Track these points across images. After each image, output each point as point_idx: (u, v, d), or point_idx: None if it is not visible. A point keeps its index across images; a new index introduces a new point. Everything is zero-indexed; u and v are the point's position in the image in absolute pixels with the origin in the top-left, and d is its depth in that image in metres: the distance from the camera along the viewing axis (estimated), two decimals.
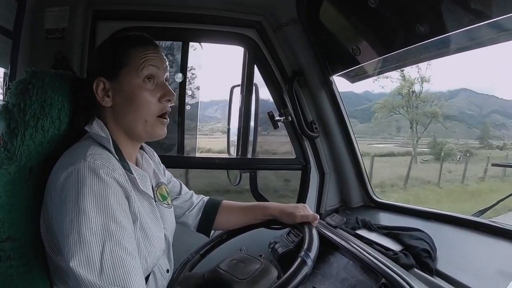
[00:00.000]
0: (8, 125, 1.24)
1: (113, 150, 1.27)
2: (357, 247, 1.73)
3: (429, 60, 1.90)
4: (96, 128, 1.30)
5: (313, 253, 1.36)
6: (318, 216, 1.62)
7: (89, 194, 1.09)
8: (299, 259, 1.32)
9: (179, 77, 2.52)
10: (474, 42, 1.70)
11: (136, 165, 1.46)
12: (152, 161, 1.60)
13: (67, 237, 1.05)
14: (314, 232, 1.50)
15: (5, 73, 2.26)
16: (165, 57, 1.39)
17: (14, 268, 1.22)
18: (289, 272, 1.28)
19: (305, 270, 1.29)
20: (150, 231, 1.31)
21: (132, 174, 1.30)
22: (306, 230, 1.52)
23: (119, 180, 1.17)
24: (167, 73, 1.41)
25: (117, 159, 1.26)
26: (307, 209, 1.68)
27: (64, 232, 1.06)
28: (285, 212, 1.67)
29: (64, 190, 1.11)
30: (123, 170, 1.26)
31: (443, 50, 1.79)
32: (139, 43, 1.34)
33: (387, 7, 1.79)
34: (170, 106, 1.39)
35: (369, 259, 1.60)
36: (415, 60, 1.97)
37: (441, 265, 1.62)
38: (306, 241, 1.43)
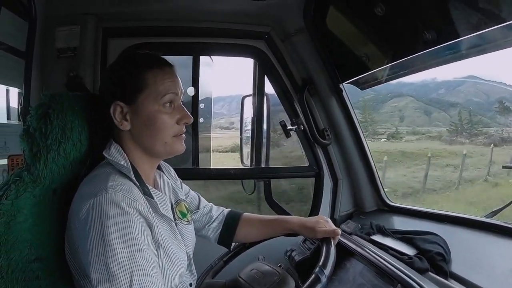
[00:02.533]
0: (30, 149, 1.26)
1: (133, 178, 1.27)
2: (372, 253, 1.74)
3: (438, 66, 1.90)
4: (115, 154, 1.31)
5: (328, 270, 1.36)
6: (340, 231, 1.61)
7: (113, 227, 1.09)
8: (313, 275, 1.33)
9: (191, 91, 2.54)
10: (484, 47, 1.70)
11: (154, 186, 1.46)
12: (169, 178, 1.60)
13: (95, 270, 1.06)
14: (332, 249, 1.50)
15: (19, 93, 2.28)
16: (178, 78, 1.40)
17: (43, 287, 1.24)
18: None
19: (318, 287, 1.30)
20: (172, 253, 1.32)
21: (153, 199, 1.32)
22: (325, 246, 1.51)
23: (141, 210, 1.18)
24: (182, 95, 1.41)
25: (137, 185, 1.27)
26: (329, 223, 1.66)
27: (92, 264, 1.07)
28: (306, 226, 1.67)
29: (88, 223, 1.11)
30: (144, 196, 1.27)
31: (452, 55, 1.79)
32: (156, 65, 1.34)
33: (394, 15, 1.80)
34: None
35: (384, 264, 1.61)
36: (424, 66, 1.97)
37: (456, 267, 1.63)
38: (323, 257, 1.43)
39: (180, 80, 1.39)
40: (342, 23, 2.18)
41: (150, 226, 1.21)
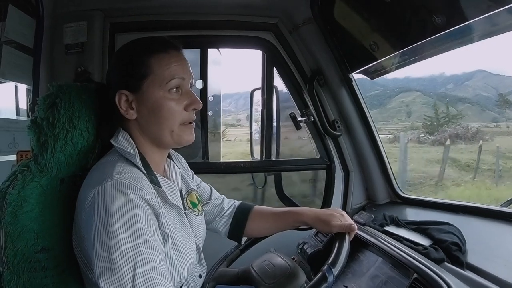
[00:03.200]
0: (37, 139, 1.25)
1: (140, 166, 1.25)
2: (386, 244, 1.71)
3: (449, 50, 1.87)
4: (122, 141, 1.28)
5: (337, 269, 1.30)
6: (356, 227, 1.54)
7: (118, 215, 1.07)
8: (320, 273, 1.28)
9: (199, 83, 2.53)
10: (494, 29, 1.67)
11: (164, 175, 1.44)
12: (180, 167, 1.57)
13: (98, 260, 1.03)
14: (346, 245, 1.43)
15: (28, 90, 2.29)
16: (187, 61, 1.34)
17: (49, 278, 1.24)
18: (307, 286, 1.27)
19: (324, 286, 1.25)
20: (181, 245, 1.29)
21: (161, 187, 1.29)
22: (338, 242, 1.45)
23: (147, 199, 1.15)
24: (192, 79, 1.36)
25: (144, 173, 1.25)
26: (345, 217, 1.58)
27: (95, 254, 1.04)
28: (320, 219, 1.59)
29: (92, 211, 1.09)
30: (151, 185, 1.25)
31: (462, 39, 1.76)
32: (160, 48, 1.29)
33: (402, 0, 1.78)
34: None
35: (400, 254, 1.58)
36: (434, 52, 1.94)
37: (471, 257, 1.60)
38: (333, 254, 1.37)
39: (188, 64, 1.34)
40: (350, 12, 2.16)
41: (157, 215, 1.19)
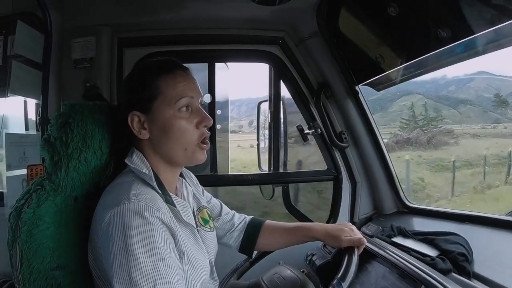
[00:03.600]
0: (51, 158, 1.27)
1: (156, 186, 1.27)
2: (394, 255, 1.72)
3: (455, 63, 1.89)
4: (137, 161, 1.31)
5: (346, 283, 1.33)
6: (365, 241, 1.58)
7: (136, 236, 1.09)
8: (330, 287, 1.31)
9: (207, 97, 2.54)
10: (500, 43, 1.68)
11: (176, 194, 1.46)
12: (191, 185, 1.60)
13: (118, 279, 1.06)
14: (355, 259, 1.47)
15: (37, 104, 2.31)
16: (195, 80, 1.38)
17: None
18: None
19: None
20: (195, 260, 1.31)
21: (175, 207, 1.32)
22: (347, 256, 1.48)
23: (163, 219, 1.17)
24: (202, 97, 1.40)
25: (160, 193, 1.28)
26: (354, 231, 1.63)
27: (115, 274, 1.07)
28: (330, 234, 1.63)
29: (110, 232, 1.12)
30: (166, 205, 1.27)
31: (467, 52, 1.78)
32: (167, 70, 1.33)
33: (407, 14, 1.80)
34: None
35: (407, 266, 1.59)
36: (440, 64, 1.95)
37: (478, 267, 1.61)
38: (343, 269, 1.40)
39: (196, 82, 1.37)
40: (356, 25, 2.18)
41: (173, 235, 1.21)
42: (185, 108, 1.31)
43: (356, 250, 1.51)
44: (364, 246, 1.57)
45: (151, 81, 1.31)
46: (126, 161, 1.32)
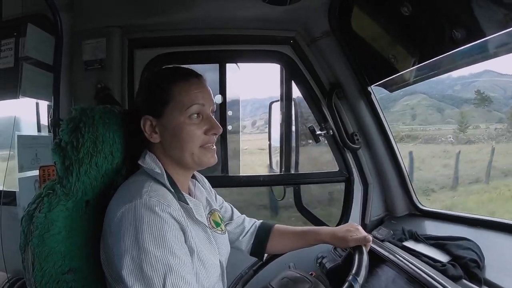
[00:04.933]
0: (62, 162, 1.28)
1: (168, 185, 1.31)
2: (404, 260, 1.73)
3: (469, 65, 1.86)
4: (150, 162, 1.35)
5: (361, 278, 1.36)
6: (371, 238, 1.61)
7: (147, 231, 1.13)
8: (346, 283, 1.33)
9: (218, 98, 2.54)
10: None
11: (189, 194, 1.49)
12: (204, 188, 1.63)
13: (130, 273, 1.10)
14: (365, 256, 1.50)
15: (48, 106, 2.32)
16: (208, 89, 1.41)
17: None
18: None
19: None
20: (207, 260, 1.33)
21: (187, 204, 1.34)
22: (357, 254, 1.51)
23: (174, 215, 1.21)
24: (214, 105, 1.43)
25: (172, 191, 1.30)
26: (360, 230, 1.67)
27: (126, 267, 1.10)
28: (337, 237, 1.67)
29: (122, 227, 1.15)
30: (178, 202, 1.30)
31: (482, 54, 1.75)
32: (180, 77, 1.36)
33: (421, 14, 1.77)
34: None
35: (417, 272, 1.60)
36: (454, 66, 1.93)
37: (490, 274, 1.60)
38: (355, 265, 1.43)
39: (210, 91, 1.40)
40: (368, 25, 2.15)
41: (183, 231, 1.25)
42: (196, 115, 1.35)
43: (364, 248, 1.55)
44: (370, 243, 1.60)
45: (165, 87, 1.34)
46: (139, 162, 1.36)
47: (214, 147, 1.41)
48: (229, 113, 2.76)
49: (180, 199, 1.33)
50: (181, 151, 1.35)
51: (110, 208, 1.25)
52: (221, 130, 1.39)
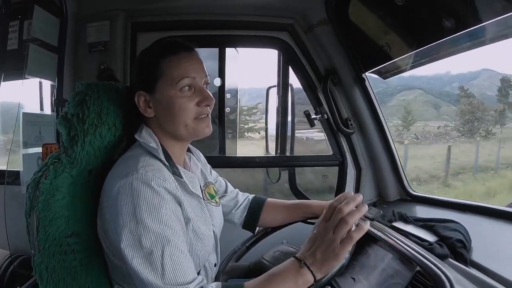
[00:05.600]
0: (68, 133, 1.33)
1: (163, 159, 1.35)
2: (393, 238, 1.73)
3: (461, 52, 1.90)
4: (146, 136, 1.39)
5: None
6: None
7: (144, 205, 1.17)
8: None
9: (217, 81, 2.60)
10: (507, 31, 1.71)
11: (184, 167, 1.53)
12: (199, 162, 1.67)
13: (128, 245, 1.16)
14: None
15: (52, 86, 2.38)
16: (200, 61, 1.42)
17: (78, 261, 1.33)
18: None
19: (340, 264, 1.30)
20: (200, 231, 1.38)
21: (182, 178, 1.39)
22: None
23: (169, 189, 1.25)
24: (207, 77, 1.43)
25: (167, 166, 1.35)
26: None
27: (125, 240, 1.16)
28: None
29: (119, 201, 1.19)
30: (173, 176, 1.35)
31: (474, 41, 1.79)
32: (170, 52, 1.37)
33: (413, 3, 1.81)
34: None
35: (405, 248, 1.60)
36: (447, 53, 1.97)
37: (476, 255, 1.61)
38: None
39: (201, 63, 1.41)
40: (364, 13, 2.19)
41: (179, 203, 1.30)
42: (187, 87, 1.36)
43: None
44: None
45: (155, 62, 1.36)
46: (136, 136, 1.39)
47: (209, 116, 1.42)
48: (228, 95, 2.81)
49: (175, 173, 1.37)
50: (174, 124, 1.37)
51: (107, 182, 1.30)
52: (213, 101, 1.40)
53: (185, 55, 1.38)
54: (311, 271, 1.20)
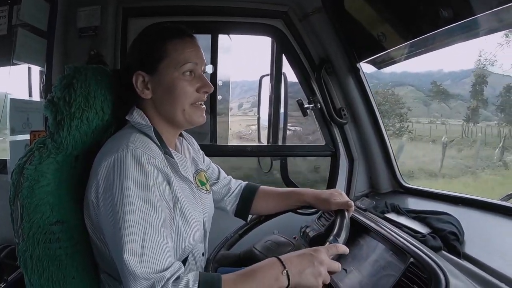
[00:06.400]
0: (54, 117, 1.31)
1: (154, 136, 1.33)
2: (386, 229, 1.74)
3: (456, 43, 1.89)
4: (137, 117, 1.36)
5: (341, 239, 1.38)
6: (353, 203, 1.62)
7: (132, 183, 1.16)
8: (327, 243, 1.33)
9: (209, 68, 2.57)
10: (502, 24, 1.69)
11: (176, 151, 1.51)
12: (191, 148, 1.66)
13: (113, 219, 1.15)
14: (346, 219, 1.52)
15: (41, 71, 2.34)
16: (201, 48, 1.42)
17: (63, 249, 1.30)
18: None
19: None
20: (189, 215, 1.37)
21: (173, 158, 1.37)
22: (339, 218, 1.52)
23: (159, 166, 1.24)
24: (205, 65, 1.44)
25: (158, 145, 1.33)
26: (343, 195, 1.67)
27: (111, 215, 1.15)
28: (320, 198, 1.68)
29: (108, 178, 1.18)
30: (164, 155, 1.33)
31: (469, 33, 1.78)
32: (176, 35, 1.37)
33: None
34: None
35: (398, 240, 1.60)
36: (441, 44, 1.95)
37: (469, 248, 1.63)
38: (337, 227, 1.45)
39: (201, 51, 1.42)
40: (359, 2, 2.17)
41: (168, 181, 1.29)
42: (189, 72, 1.36)
43: (346, 213, 1.56)
44: (353, 208, 1.62)
45: (160, 44, 1.35)
46: (127, 117, 1.38)
47: (204, 106, 1.43)
48: (219, 83, 2.79)
49: (166, 153, 1.36)
50: (173, 106, 1.37)
51: (96, 161, 1.28)
52: (212, 89, 1.42)
53: (190, 41, 1.39)
54: (289, 281, 1.20)
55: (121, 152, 1.20)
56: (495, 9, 1.49)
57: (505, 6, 1.46)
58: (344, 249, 1.31)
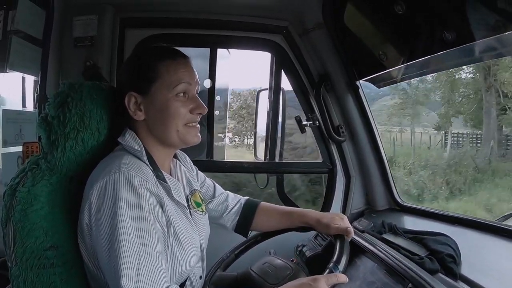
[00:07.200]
0: (48, 137, 1.28)
1: (146, 161, 1.32)
2: (383, 251, 1.74)
3: (456, 67, 1.88)
4: (129, 139, 1.35)
5: (342, 266, 1.37)
6: (352, 230, 1.60)
7: (125, 206, 1.16)
8: (327, 271, 1.33)
9: (207, 83, 2.54)
10: (504, 50, 1.68)
11: (170, 174, 1.50)
12: (185, 167, 1.64)
13: (107, 243, 1.14)
14: (346, 245, 1.50)
15: (35, 81, 2.30)
16: (194, 69, 1.42)
17: (58, 275, 1.26)
18: None
19: None
20: (184, 238, 1.35)
21: (166, 183, 1.35)
22: (338, 242, 1.51)
23: (152, 189, 1.23)
24: (198, 86, 1.44)
25: (151, 169, 1.31)
26: (344, 220, 1.65)
27: (104, 239, 1.15)
28: (321, 222, 1.66)
29: (101, 200, 1.18)
30: (157, 179, 1.32)
31: (471, 57, 1.77)
32: (169, 56, 1.37)
33: (414, 14, 1.77)
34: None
35: (395, 263, 1.61)
36: (442, 66, 1.95)
37: (465, 270, 1.62)
38: (337, 253, 1.44)
39: (195, 71, 1.42)
40: (361, 20, 2.16)
41: (161, 204, 1.28)
42: (182, 93, 1.36)
43: (346, 238, 1.55)
44: (352, 236, 1.60)
45: (153, 64, 1.35)
46: (119, 139, 1.36)
47: (198, 125, 1.43)
48: (217, 98, 2.76)
49: (159, 177, 1.34)
50: (166, 127, 1.35)
51: (89, 181, 1.26)
52: (206, 110, 1.42)
53: (183, 61, 1.39)
54: None
55: (113, 175, 1.19)
56: (499, 35, 1.48)
57: (510, 32, 1.45)
58: (344, 279, 1.31)
